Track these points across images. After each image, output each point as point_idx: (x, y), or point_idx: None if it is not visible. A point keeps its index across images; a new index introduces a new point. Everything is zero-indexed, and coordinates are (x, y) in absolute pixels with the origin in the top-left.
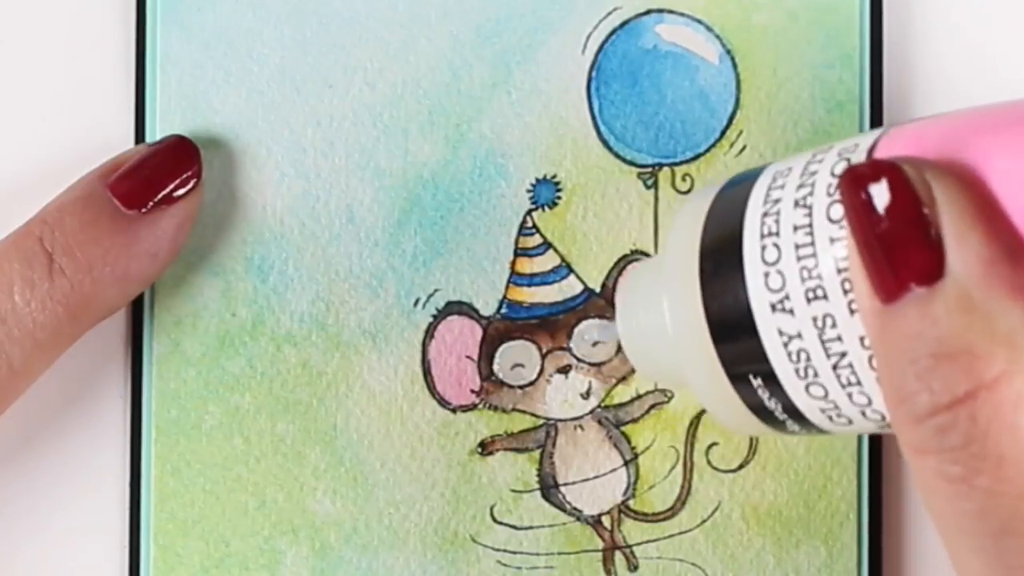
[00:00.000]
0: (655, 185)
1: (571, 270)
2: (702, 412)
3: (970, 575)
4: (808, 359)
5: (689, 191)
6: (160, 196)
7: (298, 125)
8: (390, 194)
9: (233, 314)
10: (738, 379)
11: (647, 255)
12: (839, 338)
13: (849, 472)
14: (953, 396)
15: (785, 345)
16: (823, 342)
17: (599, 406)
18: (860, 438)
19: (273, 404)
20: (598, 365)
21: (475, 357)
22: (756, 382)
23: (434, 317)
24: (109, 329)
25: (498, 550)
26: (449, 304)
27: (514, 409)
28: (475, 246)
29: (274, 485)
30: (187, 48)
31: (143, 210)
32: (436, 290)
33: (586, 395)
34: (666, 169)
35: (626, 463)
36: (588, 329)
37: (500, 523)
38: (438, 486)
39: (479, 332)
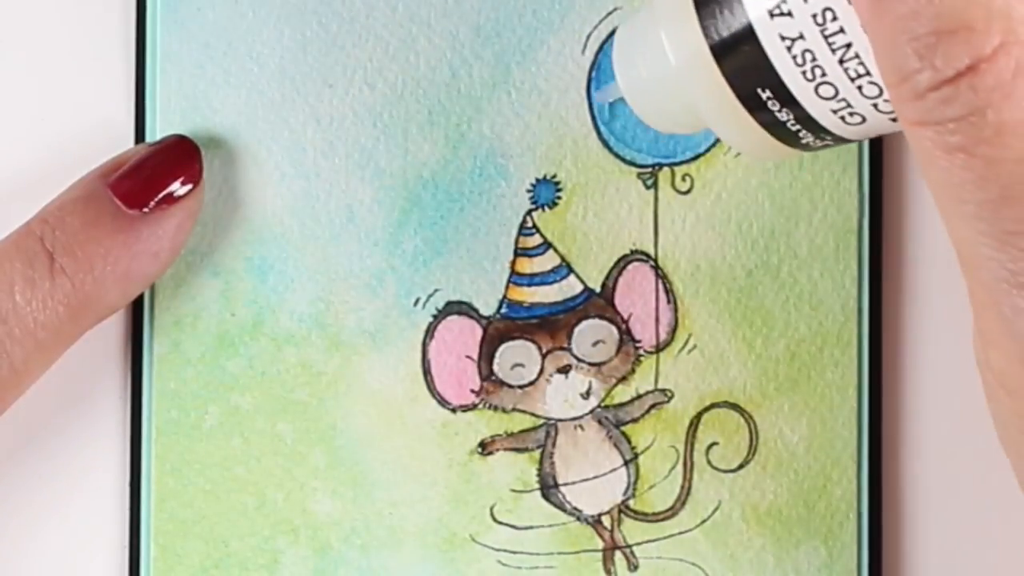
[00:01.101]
0: (655, 185)
1: (571, 270)
2: (702, 412)
3: (967, 245)
4: (814, 59)
5: (689, 191)
6: (161, 195)
7: (298, 125)
8: (390, 194)
9: (233, 314)
10: (748, 99)
11: (647, 255)
12: (841, 30)
13: (849, 472)
14: (955, 70)
15: (789, 49)
16: (826, 37)
17: (599, 406)
18: (860, 438)
19: (273, 404)
20: (598, 365)
21: (475, 357)
22: (765, 95)
23: (434, 317)
24: (109, 329)
25: (498, 550)
26: (449, 304)
27: (514, 409)
28: (475, 246)
29: (274, 485)
30: (187, 48)
31: (144, 210)
32: (436, 290)
33: (586, 395)
34: (666, 169)
35: (626, 463)
36: (588, 329)
37: (500, 523)
38: (438, 486)
39: (479, 332)
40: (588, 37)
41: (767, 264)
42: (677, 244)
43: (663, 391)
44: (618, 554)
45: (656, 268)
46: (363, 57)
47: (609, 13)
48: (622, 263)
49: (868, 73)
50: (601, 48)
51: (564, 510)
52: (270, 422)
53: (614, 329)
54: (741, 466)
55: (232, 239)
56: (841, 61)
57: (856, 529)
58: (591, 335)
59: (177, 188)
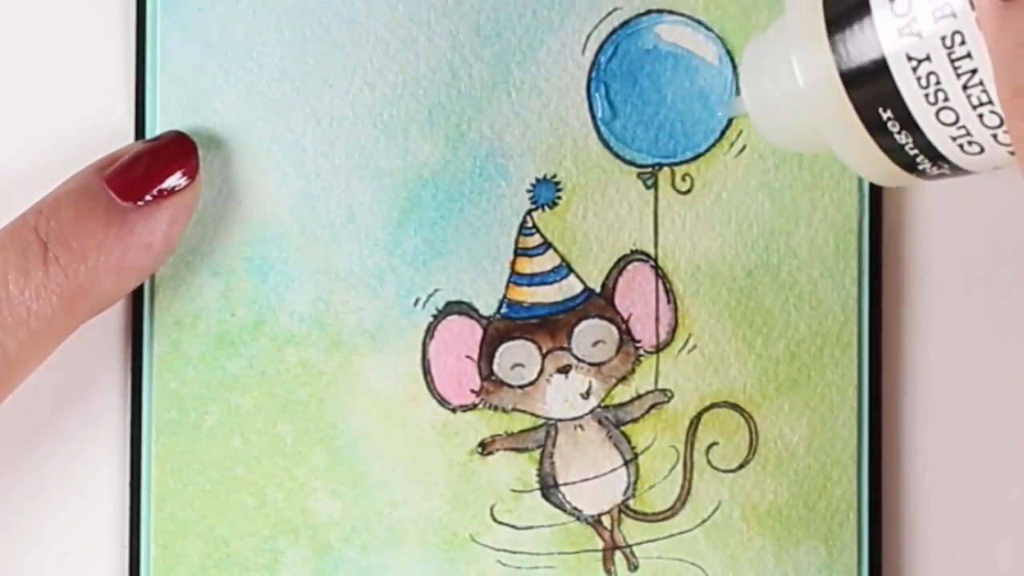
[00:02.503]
0: (655, 185)
1: (571, 270)
2: (702, 412)
3: None
4: (938, 82)
5: (689, 191)
6: (156, 189)
7: (298, 125)
8: (390, 194)
9: (233, 314)
10: (870, 120)
11: (647, 255)
12: (969, 55)
13: (849, 472)
14: None
15: (914, 70)
16: (952, 61)
17: (599, 406)
18: (860, 438)
19: (273, 404)
20: (598, 365)
21: (475, 357)
22: (886, 115)
23: (434, 317)
24: (109, 329)
25: (498, 550)
26: (449, 304)
27: (514, 409)
28: (475, 246)
29: (274, 485)
30: (187, 48)
31: (138, 203)
32: (436, 290)
33: (586, 395)
34: (666, 169)
35: (626, 463)
36: (588, 329)
37: (500, 523)
38: (438, 486)
39: (479, 332)
40: (588, 37)
41: (767, 264)
42: (677, 244)
43: (663, 391)
44: (618, 554)
45: (656, 268)
46: (363, 57)
47: (609, 13)
48: (622, 263)
49: (991, 102)
50: (601, 48)
51: (564, 510)
52: (270, 422)
53: (614, 329)
54: (741, 466)
55: (232, 239)
56: (965, 87)
57: (856, 529)
58: (591, 335)
59: (172, 182)
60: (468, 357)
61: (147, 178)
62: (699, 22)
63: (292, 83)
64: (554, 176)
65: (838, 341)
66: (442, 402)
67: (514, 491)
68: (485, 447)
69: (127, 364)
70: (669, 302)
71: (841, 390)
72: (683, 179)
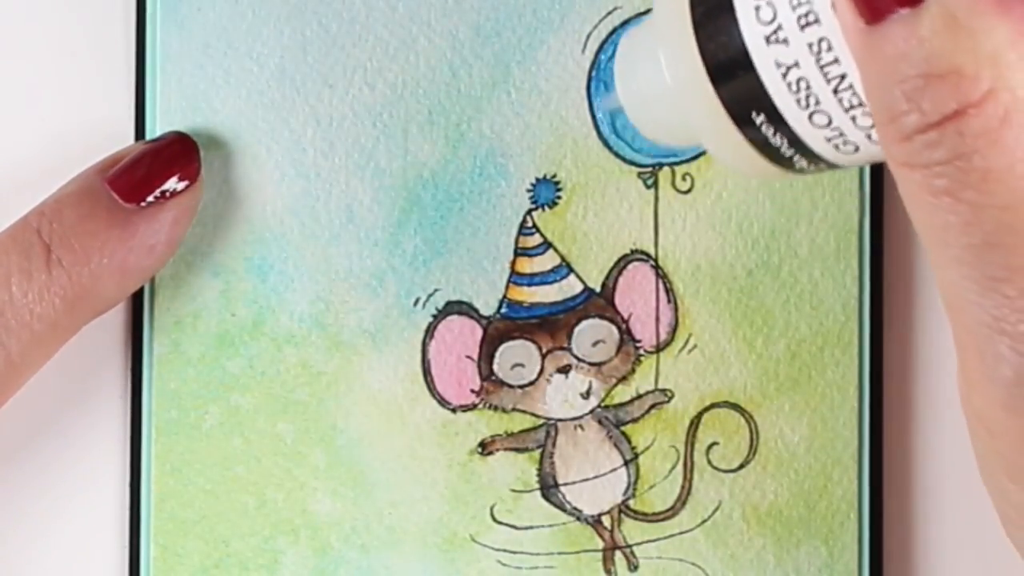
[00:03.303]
0: (655, 185)
1: (571, 270)
2: (702, 412)
3: (951, 288)
4: (808, 87)
5: (689, 191)
6: (158, 191)
7: (298, 125)
8: (390, 194)
9: (233, 314)
10: (742, 120)
11: (647, 255)
12: (836, 60)
13: (849, 472)
14: (942, 114)
15: (784, 76)
16: (821, 67)
17: (599, 406)
18: (860, 438)
19: (273, 404)
20: (598, 365)
21: (475, 357)
22: (759, 119)
23: (434, 317)
24: (109, 329)
25: (498, 550)
26: (449, 304)
27: (514, 409)
28: (475, 246)
29: (274, 485)
30: (187, 48)
31: (141, 204)
32: (436, 290)
33: (586, 395)
34: (666, 169)
35: (626, 463)
36: (588, 328)
37: (500, 523)
38: (438, 486)
39: (479, 332)
40: (588, 37)
41: (767, 264)
42: (677, 244)
43: (663, 391)
44: (618, 554)
45: (656, 268)
46: (363, 57)
47: (609, 13)
48: (622, 263)
49: (862, 104)
50: (601, 48)
51: (564, 510)
52: (270, 422)
53: (614, 329)
54: (741, 466)
55: (232, 239)
56: (835, 91)
57: (857, 529)
58: (591, 335)
59: (174, 184)
60: (468, 357)
61: (149, 179)
62: None
63: (292, 83)
64: (554, 176)
65: (839, 341)
66: (442, 402)
67: (514, 491)
68: (485, 447)
69: (127, 364)
70: (669, 302)
71: (842, 390)
72: (683, 179)
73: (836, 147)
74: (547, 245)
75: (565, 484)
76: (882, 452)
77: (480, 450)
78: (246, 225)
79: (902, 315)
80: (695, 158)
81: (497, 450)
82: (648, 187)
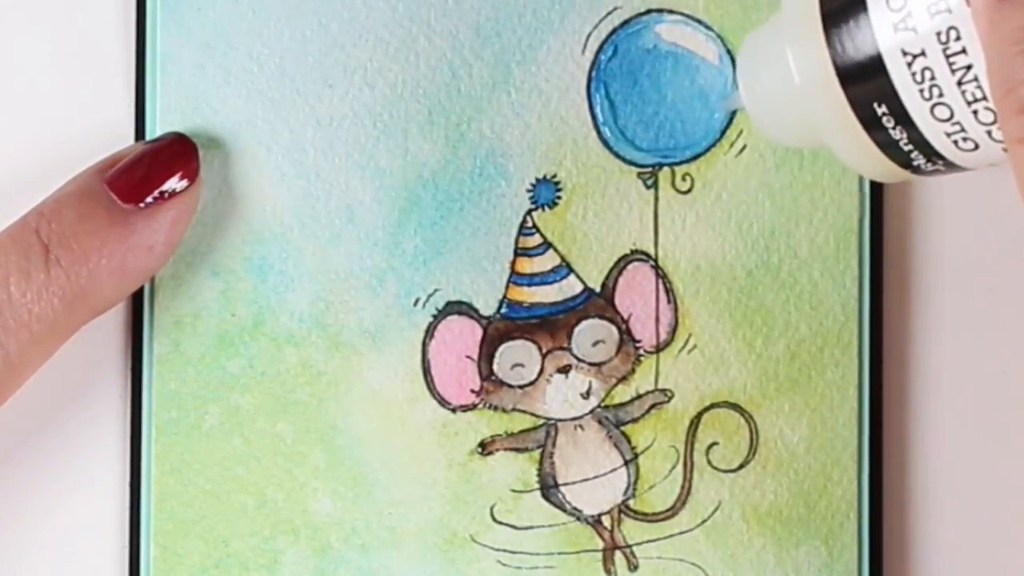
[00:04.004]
0: (655, 185)
1: (571, 270)
2: (702, 412)
3: None
4: (932, 77)
5: (689, 191)
6: (157, 191)
7: (298, 125)
8: (390, 194)
9: (233, 314)
10: (865, 114)
11: (647, 255)
12: (964, 51)
13: (849, 472)
14: None
15: (909, 65)
16: (947, 56)
17: (599, 406)
18: (860, 438)
19: (273, 404)
20: (598, 365)
21: (475, 357)
22: (881, 110)
23: (434, 317)
24: (109, 329)
25: (498, 550)
26: (449, 304)
27: (514, 409)
28: (475, 246)
29: (274, 485)
30: (187, 48)
31: (140, 204)
32: (436, 290)
33: (586, 395)
34: (666, 169)
35: (626, 463)
36: (588, 328)
37: (500, 523)
38: (438, 486)
39: (479, 332)
40: (588, 37)
41: (767, 264)
42: (677, 244)
43: (663, 391)
44: (618, 554)
45: (656, 268)
46: (363, 57)
47: (609, 13)
48: (622, 263)
49: (985, 98)
50: (601, 48)
51: (564, 510)
52: (270, 422)
53: (614, 329)
54: (741, 466)
55: (232, 239)
56: (960, 83)
57: (856, 529)
58: (591, 335)
59: (173, 184)
60: (468, 357)
61: (148, 180)
62: (699, 22)
63: (292, 83)
64: (554, 176)
65: (838, 341)
66: (442, 402)
67: (514, 491)
68: (485, 447)
69: (127, 364)
70: (669, 302)
71: (841, 390)
72: (683, 179)
73: (955, 143)
74: (547, 245)
75: (565, 484)
76: (882, 452)
77: (480, 450)
78: (246, 225)
79: (902, 315)
80: (695, 158)
81: (497, 450)
82: (648, 187)
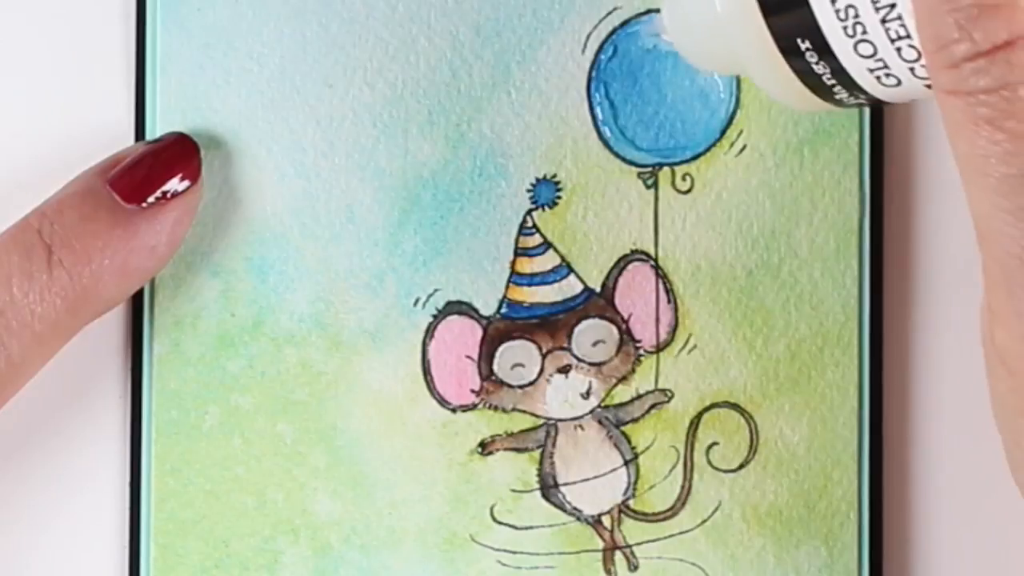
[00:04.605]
0: (655, 185)
1: (571, 270)
2: (702, 412)
3: (984, 218)
4: (857, 15)
5: (689, 191)
6: (159, 191)
7: (298, 125)
8: (390, 194)
9: (233, 314)
10: (788, 48)
11: (647, 255)
12: None
13: (849, 472)
14: (992, 43)
15: (833, 3)
16: None
17: (599, 406)
18: (860, 438)
19: (273, 404)
20: (598, 365)
21: (475, 357)
22: (804, 45)
23: (434, 317)
24: (109, 329)
25: (498, 550)
26: (449, 304)
27: (514, 409)
28: (475, 246)
29: (274, 485)
30: (187, 48)
31: (142, 205)
32: (436, 290)
33: (586, 395)
34: (666, 169)
35: (626, 463)
36: (588, 328)
37: (500, 523)
38: (438, 486)
39: (479, 332)
40: (588, 37)
41: (767, 264)
42: (677, 244)
43: (663, 391)
44: (618, 554)
45: (656, 268)
46: (363, 57)
47: (609, 13)
48: (622, 263)
49: (908, 36)
50: (601, 48)
51: (564, 510)
52: (270, 422)
53: (614, 329)
54: (741, 466)
55: (232, 239)
56: (884, 20)
57: (857, 529)
58: (591, 335)
59: (175, 185)
60: (468, 357)
61: (150, 180)
62: None
63: (292, 83)
64: (554, 176)
65: (839, 341)
66: (442, 402)
67: (514, 491)
68: (485, 447)
69: (127, 364)
70: (669, 302)
71: (842, 390)
72: (683, 179)
73: (878, 79)
74: (547, 245)
75: (565, 484)
76: (882, 452)
77: (480, 450)
78: (246, 225)
79: (902, 315)
80: (695, 158)
81: (497, 450)
82: (648, 187)
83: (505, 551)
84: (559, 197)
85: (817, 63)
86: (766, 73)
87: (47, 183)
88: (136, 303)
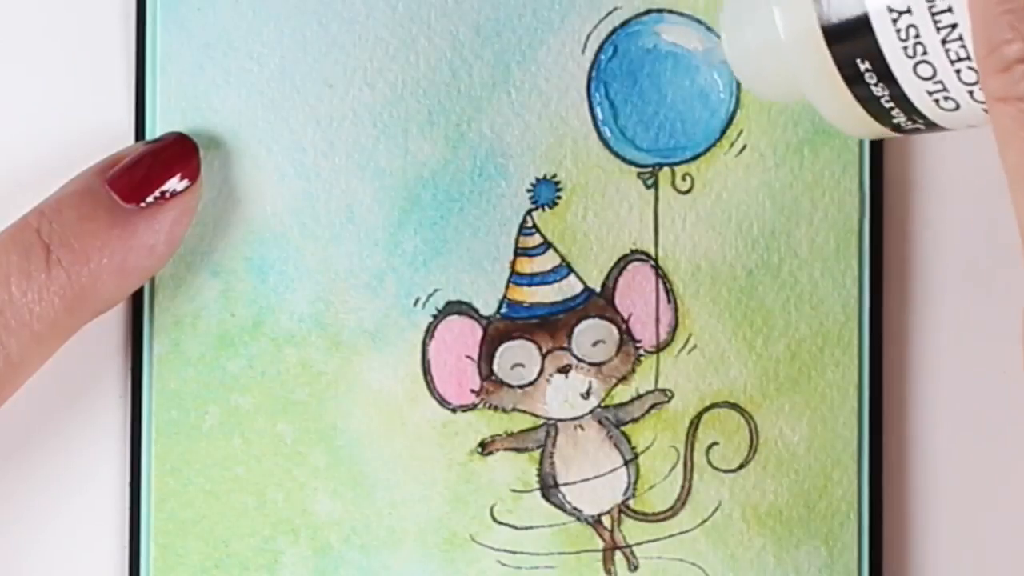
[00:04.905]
0: (655, 185)
1: (571, 270)
2: (702, 412)
3: None
4: (917, 35)
5: (689, 191)
6: (158, 191)
7: (298, 125)
8: (390, 194)
9: (233, 314)
10: (849, 70)
11: (647, 255)
12: (949, 9)
13: (849, 472)
14: None
15: (894, 22)
16: (932, 14)
17: (599, 406)
18: (860, 438)
19: (273, 404)
20: (598, 365)
21: (475, 357)
22: (864, 66)
23: (434, 317)
24: (109, 329)
25: (498, 550)
26: (449, 304)
27: (514, 409)
28: (475, 246)
29: (274, 485)
30: (187, 48)
31: (140, 204)
32: (436, 290)
33: (586, 395)
34: (666, 169)
35: (626, 463)
36: (588, 328)
37: (500, 523)
38: (438, 486)
39: (479, 332)
40: (588, 37)
41: (767, 264)
42: (677, 244)
43: (663, 391)
44: (618, 554)
45: (656, 268)
46: (363, 57)
47: (609, 13)
48: (622, 263)
49: (969, 58)
50: (601, 48)
51: (564, 510)
52: (270, 422)
53: (614, 329)
54: (741, 466)
55: (232, 239)
56: (944, 41)
57: (857, 529)
58: (591, 335)
59: (174, 184)
60: (468, 357)
61: (149, 180)
62: (699, 22)
63: (292, 83)
64: (554, 176)
65: (839, 341)
66: (442, 402)
67: (514, 491)
68: (485, 447)
69: (127, 364)
70: (669, 302)
71: (842, 390)
72: (683, 179)
73: (937, 102)
74: (547, 245)
75: (565, 484)
76: (882, 452)
77: (480, 450)
78: (246, 225)
79: (902, 315)
80: (695, 158)
81: (497, 450)
82: (648, 187)
83: (505, 551)
84: (559, 197)
85: (876, 84)
86: (826, 99)
87: (47, 183)
88: (136, 303)
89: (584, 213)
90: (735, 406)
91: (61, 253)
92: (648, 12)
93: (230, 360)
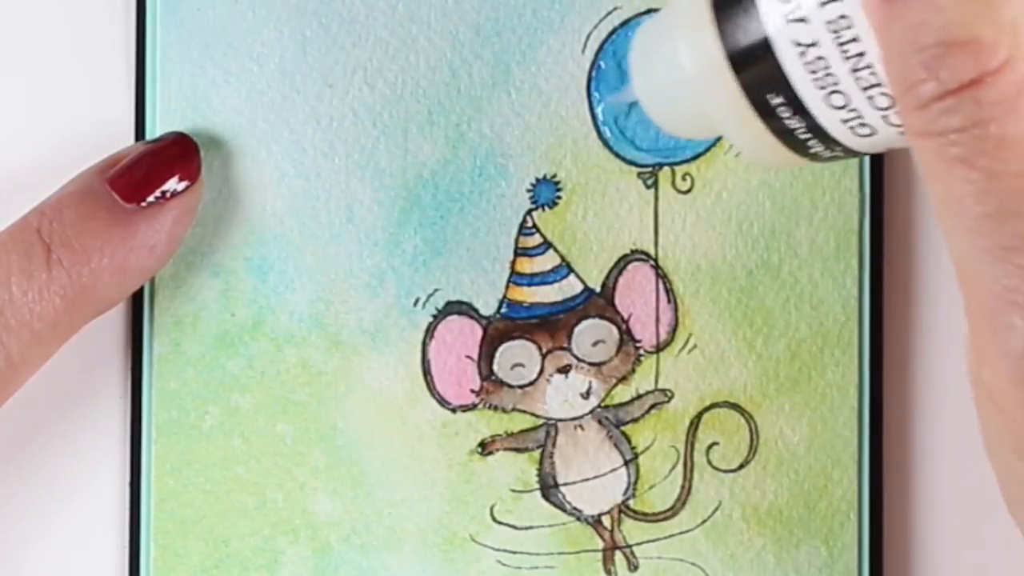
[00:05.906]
0: (655, 185)
1: (571, 270)
2: (702, 412)
3: (964, 259)
4: (827, 66)
5: (689, 191)
6: (158, 191)
7: (298, 125)
8: (390, 194)
9: (233, 314)
10: (761, 105)
11: (647, 255)
12: (856, 39)
13: (850, 472)
14: (959, 82)
15: (802, 55)
16: (839, 45)
17: (599, 406)
18: (860, 438)
19: (273, 404)
20: (598, 365)
21: (475, 357)
22: (776, 100)
23: (434, 317)
24: (109, 329)
25: (498, 550)
26: (449, 304)
27: (514, 409)
28: (475, 246)
29: (274, 485)
30: (187, 48)
31: (141, 204)
32: (436, 290)
33: (586, 395)
34: (666, 169)
35: (626, 463)
36: (588, 328)
37: (500, 523)
38: (438, 486)
39: (479, 332)
40: (588, 37)
41: (767, 264)
42: (677, 244)
43: (663, 391)
44: (618, 554)
45: (656, 268)
46: (363, 57)
47: (609, 13)
48: (622, 263)
49: (880, 84)
50: (601, 48)
51: (564, 510)
52: (270, 422)
53: (614, 329)
54: (741, 466)
55: (232, 239)
56: (854, 70)
57: (857, 529)
58: (591, 335)
59: (174, 184)
60: (468, 357)
61: (149, 179)
62: None
63: (292, 83)
64: (554, 176)
65: (839, 341)
66: (442, 402)
67: (514, 491)
68: (485, 447)
69: (127, 364)
70: (669, 302)
71: (842, 390)
72: (683, 179)
73: (852, 130)
74: (547, 245)
75: (565, 484)
76: (882, 452)
77: (480, 450)
78: (246, 225)
79: (902, 315)
80: (695, 158)
81: (497, 450)
82: (648, 187)
83: (505, 551)
84: (559, 197)
85: (790, 118)
86: (741, 133)
87: (47, 183)
88: (136, 303)
89: (584, 213)
90: (735, 406)
91: (62, 253)
92: (648, 12)
93: (230, 360)
